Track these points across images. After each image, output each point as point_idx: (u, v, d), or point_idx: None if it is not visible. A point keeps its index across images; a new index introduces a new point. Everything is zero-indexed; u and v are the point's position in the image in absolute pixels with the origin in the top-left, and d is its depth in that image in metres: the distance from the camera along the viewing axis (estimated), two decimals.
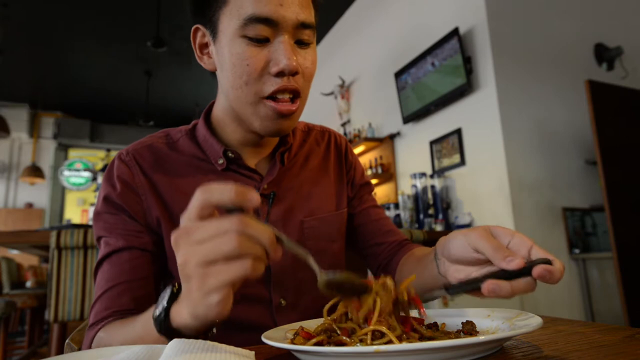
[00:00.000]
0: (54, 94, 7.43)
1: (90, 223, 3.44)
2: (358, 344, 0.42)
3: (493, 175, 3.04)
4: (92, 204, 7.84)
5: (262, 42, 0.63)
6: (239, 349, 0.41)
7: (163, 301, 0.48)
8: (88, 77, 6.77)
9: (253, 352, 0.41)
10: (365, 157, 4.50)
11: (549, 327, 0.53)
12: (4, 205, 7.58)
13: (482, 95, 3.15)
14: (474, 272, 0.52)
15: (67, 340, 0.66)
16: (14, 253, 5.66)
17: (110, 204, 0.68)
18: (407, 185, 3.79)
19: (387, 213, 3.53)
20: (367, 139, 4.26)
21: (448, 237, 0.54)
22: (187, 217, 0.41)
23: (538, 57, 3.30)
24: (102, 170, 4.80)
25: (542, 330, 0.51)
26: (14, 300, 2.78)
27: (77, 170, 8.19)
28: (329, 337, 0.45)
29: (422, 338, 0.45)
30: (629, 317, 2.76)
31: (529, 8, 3.37)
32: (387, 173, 4.15)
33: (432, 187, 3.44)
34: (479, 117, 3.17)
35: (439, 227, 3.26)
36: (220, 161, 0.71)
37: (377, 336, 0.43)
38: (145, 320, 0.51)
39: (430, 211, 3.41)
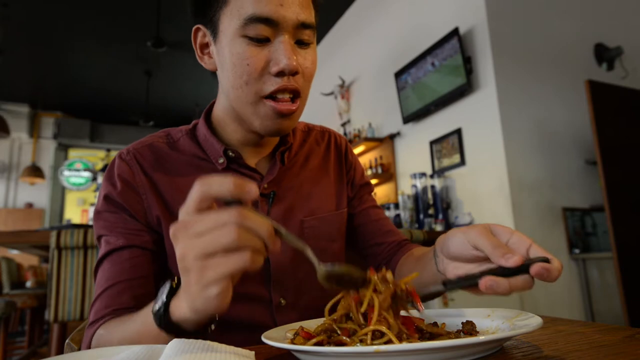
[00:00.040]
0: (54, 94, 7.43)
1: (90, 223, 3.44)
2: (358, 344, 0.42)
3: (493, 175, 3.04)
4: (92, 204, 7.84)
5: (262, 42, 0.63)
6: (239, 349, 0.41)
7: (162, 296, 0.48)
8: (88, 77, 6.77)
9: (253, 352, 0.41)
10: (365, 157, 4.50)
11: (549, 327, 0.53)
12: (4, 205, 7.59)
13: (482, 95, 3.15)
14: (473, 269, 0.52)
15: (67, 340, 0.66)
16: (14, 253, 5.66)
17: (110, 203, 0.68)
18: (407, 185, 3.79)
19: (387, 213, 3.53)
20: (367, 139, 4.26)
21: (447, 235, 0.54)
22: (185, 211, 0.41)
23: (538, 57, 3.30)
24: (102, 170, 4.80)
25: (542, 330, 0.51)
26: (14, 300, 2.78)
27: (77, 170, 8.20)
28: (329, 337, 0.45)
29: (423, 337, 0.45)
30: (629, 317, 2.76)
31: (529, 8, 3.37)
32: (387, 173, 4.15)
33: (432, 187, 3.44)
34: (479, 117, 3.17)
35: (439, 227, 3.26)
36: (221, 160, 0.71)
37: (377, 336, 0.43)
38: (145, 316, 0.51)
39: (430, 211, 3.41)
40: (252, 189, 0.41)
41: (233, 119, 0.72)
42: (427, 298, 0.71)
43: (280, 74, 0.63)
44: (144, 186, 0.69)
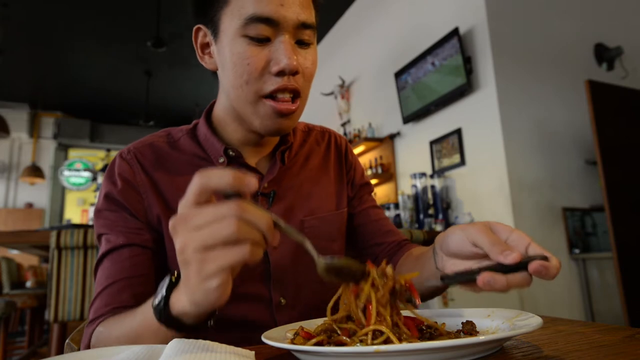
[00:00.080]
0: (54, 94, 7.43)
1: (91, 223, 3.44)
2: (358, 344, 0.42)
3: (493, 175, 3.04)
4: (92, 204, 7.84)
5: (263, 41, 0.63)
6: (239, 349, 0.41)
7: (162, 290, 0.48)
8: (88, 77, 6.77)
9: (253, 352, 0.41)
10: (365, 157, 4.50)
11: (549, 327, 0.53)
12: (4, 205, 7.59)
13: (482, 95, 3.15)
14: (471, 266, 0.52)
15: (67, 340, 0.66)
16: (14, 253, 5.67)
17: (111, 202, 0.68)
18: (407, 185, 3.79)
19: (387, 213, 3.53)
20: (367, 139, 4.26)
21: (447, 232, 0.54)
22: (184, 204, 0.41)
23: (538, 57, 3.30)
24: (102, 170, 4.81)
25: (542, 330, 0.51)
26: (14, 300, 2.78)
27: (77, 170, 8.20)
28: (329, 337, 0.45)
29: (423, 337, 0.45)
30: (629, 317, 2.76)
31: (529, 8, 3.37)
32: (387, 173, 4.15)
33: (432, 187, 3.44)
34: (479, 117, 3.17)
35: (439, 227, 3.26)
36: (221, 160, 0.72)
37: (377, 336, 0.43)
38: (144, 311, 0.51)
39: (430, 211, 3.41)
40: (251, 182, 0.41)
41: (233, 119, 0.72)
42: (426, 297, 0.71)
43: (280, 73, 0.63)
44: (144, 185, 0.69)
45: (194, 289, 0.42)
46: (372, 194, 0.91)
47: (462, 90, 3.23)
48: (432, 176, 3.48)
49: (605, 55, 3.62)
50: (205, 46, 0.71)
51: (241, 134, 0.73)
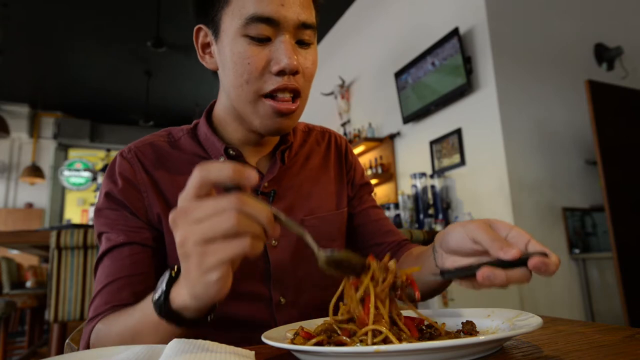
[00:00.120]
0: (54, 94, 7.43)
1: (91, 223, 3.44)
2: (358, 344, 0.42)
3: (493, 175, 3.04)
4: (92, 204, 7.84)
5: (263, 41, 0.63)
6: (239, 349, 0.41)
7: (162, 285, 0.48)
8: (88, 77, 6.77)
9: (253, 352, 0.41)
10: (365, 157, 4.50)
11: (549, 327, 0.53)
12: (4, 205, 7.59)
13: (482, 95, 3.15)
14: (471, 263, 0.52)
15: (67, 340, 0.66)
16: (14, 253, 5.67)
17: (111, 200, 0.68)
18: (407, 185, 3.79)
19: (387, 213, 3.53)
20: (367, 139, 4.26)
21: (447, 229, 0.55)
22: (184, 197, 0.41)
23: (538, 57, 3.30)
24: (102, 170, 4.80)
25: (542, 330, 0.51)
26: (14, 300, 2.78)
27: (77, 170, 8.20)
28: (329, 337, 0.45)
29: (423, 337, 0.45)
30: (629, 317, 2.76)
31: (529, 8, 3.37)
32: (387, 173, 4.15)
33: (432, 187, 3.44)
34: (479, 117, 3.17)
35: (439, 227, 3.26)
36: (222, 159, 0.72)
37: (376, 335, 0.43)
38: (144, 307, 0.51)
39: (430, 211, 3.41)
40: (251, 175, 0.41)
41: (234, 118, 0.72)
42: (427, 295, 0.72)
43: (280, 73, 0.64)
44: (145, 184, 0.69)
45: (194, 282, 0.42)
46: (372, 194, 0.91)
47: (462, 90, 3.23)
48: (432, 176, 3.48)
49: (605, 55, 3.62)
50: (206, 46, 0.72)
51: (241, 134, 0.74)
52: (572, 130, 3.31)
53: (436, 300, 2.34)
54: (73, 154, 8.50)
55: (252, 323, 0.69)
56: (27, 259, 5.99)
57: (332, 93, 5.14)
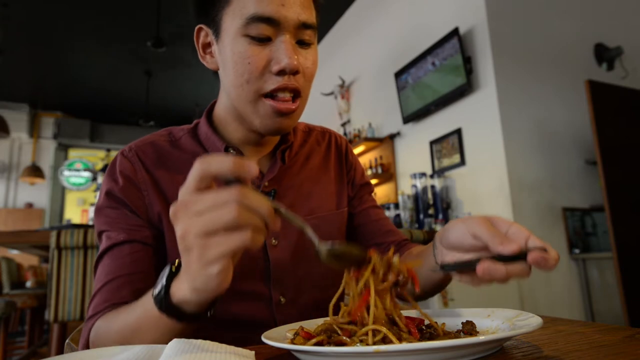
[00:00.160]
0: (54, 94, 7.43)
1: (91, 223, 3.44)
2: (358, 344, 0.42)
3: (493, 175, 3.04)
4: (92, 204, 7.84)
5: (264, 41, 0.64)
6: (239, 349, 0.41)
7: (162, 279, 0.48)
8: (88, 77, 6.77)
9: (253, 352, 0.41)
10: (365, 157, 4.50)
11: (549, 327, 0.53)
12: (4, 205, 7.59)
13: (482, 95, 3.15)
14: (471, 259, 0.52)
15: (67, 340, 0.66)
16: (14, 253, 5.66)
17: (112, 199, 0.68)
18: (407, 185, 3.79)
19: (387, 213, 3.53)
20: (367, 139, 4.26)
21: (447, 225, 0.55)
22: (185, 191, 0.41)
23: (538, 57, 3.30)
24: (102, 170, 4.80)
25: (542, 330, 0.51)
26: (14, 300, 2.78)
27: (77, 170, 8.20)
28: (329, 337, 0.45)
29: (423, 337, 0.45)
30: (629, 317, 2.76)
31: (529, 8, 3.37)
32: (387, 173, 4.15)
33: (432, 187, 3.44)
34: (479, 117, 3.17)
35: (439, 227, 3.26)
36: None
37: (376, 335, 0.43)
38: (144, 303, 0.51)
39: (430, 211, 3.41)
40: (251, 167, 0.41)
41: (234, 118, 0.73)
42: (427, 293, 0.72)
43: (281, 72, 0.64)
44: (145, 183, 0.69)
45: (195, 275, 0.42)
46: (372, 194, 0.91)
47: (462, 90, 3.23)
48: (432, 176, 3.48)
49: (605, 55, 3.62)
50: (207, 46, 0.72)
51: (242, 134, 0.74)
52: (572, 130, 3.31)
53: (436, 300, 2.34)
54: (73, 154, 8.50)
55: (252, 322, 0.69)
56: (27, 259, 5.99)
57: (332, 93, 5.14)
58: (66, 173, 7.99)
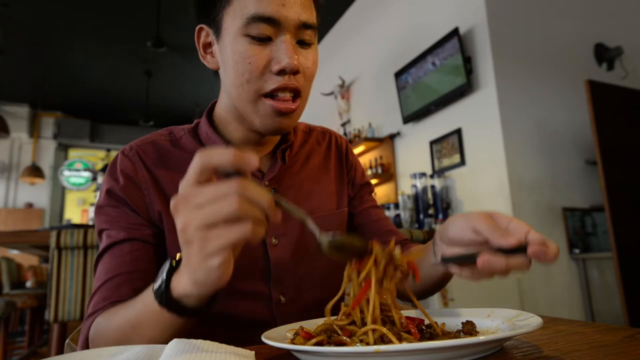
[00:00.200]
0: (54, 94, 7.43)
1: (91, 223, 3.44)
2: (358, 344, 0.42)
3: (493, 175, 3.04)
4: (92, 204, 7.84)
5: (264, 41, 0.64)
6: (239, 349, 0.41)
7: (162, 274, 0.48)
8: (88, 77, 6.77)
9: (253, 352, 0.41)
10: (365, 157, 4.50)
11: (549, 327, 0.53)
12: (4, 205, 7.59)
13: (482, 95, 3.15)
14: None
15: (67, 340, 0.66)
16: (14, 253, 5.66)
17: (112, 197, 0.69)
18: (407, 185, 3.79)
19: (387, 213, 3.53)
20: (367, 139, 4.26)
21: (447, 221, 0.55)
22: (185, 184, 0.42)
23: (538, 57, 3.30)
24: (102, 170, 4.80)
25: (542, 330, 0.51)
26: (14, 300, 2.78)
27: (77, 170, 8.20)
28: (329, 337, 0.45)
29: (423, 337, 0.45)
30: (629, 317, 2.76)
31: (529, 8, 3.37)
32: (387, 173, 4.15)
33: (432, 187, 3.44)
34: (479, 117, 3.17)
35: (439, 227, 3.26)
36: None
37: (376, 335, 0.43)
38: (145, 298, 0.51)
39: (430, 211, 3.41)
40: (252, 160, 0.41)
41: (234, 118, 0.73)
42: (427, 291, 0.72)
43: (281, 72, 0.64)
44: (146, 182, 0.69)
45: (196, 267, 0.42)
46: (372, 194, 0.91)
47: (462, 90, 3.23)
48: (432, 176, 3.48)
49: (605, 55, 3.62)
50: (208, 46, 0.72)
51: (242, 133, 0.74)
52: (572, 130, 3.31)
53: (436, 301, 2.34)
54: (73, 154, 8.50)
55: (252, 321, 0.69)
56: (27, 259, 5.99)
57: (332, 93, 5.14)
58: (66, 173, 7.99)
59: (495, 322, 0.50)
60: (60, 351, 1.90)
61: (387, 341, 0.42)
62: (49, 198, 7.88)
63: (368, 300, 0.46)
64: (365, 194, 0.89)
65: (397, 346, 0.37)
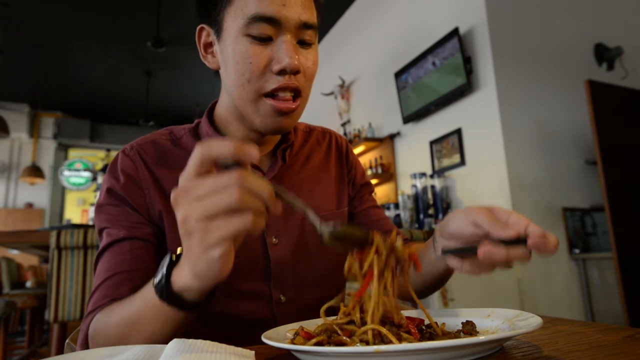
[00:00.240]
0: (54, 94, 7.43)
1: (91, 223, 3.44)
2: (358, 344, 0.42)
3: (493, 175, 3.04)
4: (92, 204, 7.84)
5: (265, 40, 0.64)
6: (239, 349, 0.41)
7: (162, 268, 0.48)
8: (88, 77, 6.77)
9: (253, 352, 0.41)
10: (365, 157, 4.50)
11: (549, 327, 0.53)
12: (4, 205, 7.58)
13: (482, 95, 3.15)
14: None
15: (67, 340, 0.66)
16: (14, 253, 5.66)
17: (113, 196, 0.69)
18: (407, 185, 3.79)
19: (387, 213, 3.53)
20: (367, 139, 4.26)
21: (447, 217, 0.56)
22: (185, 176, 0.42)
23: (538, 57, 3.30)
24: (102, 170, 4.81)
25: (542, 330, 0.51)
26: (14, 300, 2.78)
27: (77, 170, 8.19)
28: (329, 337, 0.45)
29: (423, 337, 0.45)
30: (629, 317, 2.76)
31: (529, 8, 3.37)
32: (387, 173, 4.15)
33: (432, 187, 3.44)
34: (479, 117, 3.17)
35: (438, 224, 3.26)
36: None
37: (375, 335, 0.43)
38: (144, 294, 0.51)
39: (430, 211, 3.41)
40: (252, 151, 0.41)
41: (235, 118, 0.73)
42: (428, 289, 0.72)
43: (282, 72, 0.64)
44: (146, 181, 0.70)
45: (197, 259, 0.42)
46: (373, 194, 0.92)
47: (462, 90, 3.23)
48: (432, 176, 3.48)
49: (605, 55, 3.62)
50: (208, 45, 0.72)
51: (243, 133, 0.74)
52: (572, 130, 3.31)
53: (436, 301, 2.34)
54: (73, 154, 8.50)
55: (252, 321, 0.69)
56: (27, 259, 5.99)
57: (332, 93, 5.14)
58: (66, 173, 7.99)
59: (495, 322, 0.50)
60: (60, 351, 1.90)
61: (387, 341, 0.42)
62: (49, 198, 7.88)
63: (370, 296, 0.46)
64: (365, 193, 0.89)
65: (397, 346, 0.37)
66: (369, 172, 4.24)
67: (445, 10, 3.54)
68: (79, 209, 8.27)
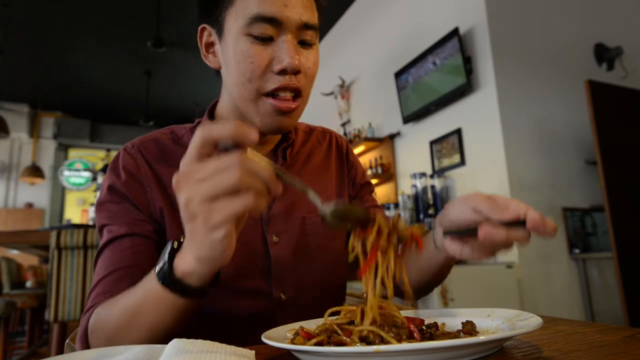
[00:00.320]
0: (54, 94, 7.43)
1: (91, 223, 3.44)
2: (358, 344, 0.42)
3: (493, 175, 3.04)
4: (92, 204, 7.84)
5: (266, 40, 0.64)
6: (239, 349, 0.41)
7: (164, 256, 0.49)
8: (88, 77, 6.77)
9: (253, 352, 0.41)
10: (365, 157, 4.50)
11: (549, 327, 0.53)
12: (4, 205, 7.58)
13: (482, 95, 3.15)
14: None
15: (67, 340, 0.66)
16: (14, 253, 5.66)
17: (114, 193, 0.69)
18: (407, 185, 3.79)
19: (387, 213, 3.53)
20: (367, 139, 4.26)
21: (447, 205, 0.57)
22: (186, 160, 0.42)
23: (538, 57, 3.30)
24: (102, 170, 4.81)
25: (542, 330, 0.51)
26: (14, 300, 2.78)
27: (77, 170, 8.20)
28: (329, 337, 0.45)
29: (423, 337, 0.45)
30: (629, 317, 2.76)
31: (529, 8, 3.37)
32: (387, 173, 4.15)
33: (432, 187, 3.44)
34: (479, 117, 3.17)
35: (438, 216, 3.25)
36: None
37: (373, 336, 0.43)
38: (146, 283, 0.52)
39: (431, 211, 3.41)
40: (252, 133, 0.42)
41: (236, 117, 0.73)
42: (427, 285, 0.72)
43: (282, 72, 0.65)
44: (148, 178, 0.70)
45: (201, 241, 0.43)
46: (373, 193, 0.92)
47: (462, 90, 3.23)
48: (432, 176, 3.48)
49: (605, 55, 3.62)
50: (210, 45, 0.73)
51: None
52: (572, 130, 3.31)
53: (436, 301, 2.34)
54: (73, 154, 8.50)
55: (252, 319, 0.69)
56: (27, 259, 5.99)
57: (332, 93, 5.14)
58: (66, 173, 7.99)
59: (495, 322, 0.50)
60: (60, 351, 1.90)
61: (387, 341, 0.42)
62: (49, 198, 7.88)
63: (376, 268, 0.47)
64: (365, 193, 0.89)
65: (397, 346, 0.37)
66: (369, 172, 4.24)
67: (445, 10, 3.54)
68: (79, 209, 8.27)
